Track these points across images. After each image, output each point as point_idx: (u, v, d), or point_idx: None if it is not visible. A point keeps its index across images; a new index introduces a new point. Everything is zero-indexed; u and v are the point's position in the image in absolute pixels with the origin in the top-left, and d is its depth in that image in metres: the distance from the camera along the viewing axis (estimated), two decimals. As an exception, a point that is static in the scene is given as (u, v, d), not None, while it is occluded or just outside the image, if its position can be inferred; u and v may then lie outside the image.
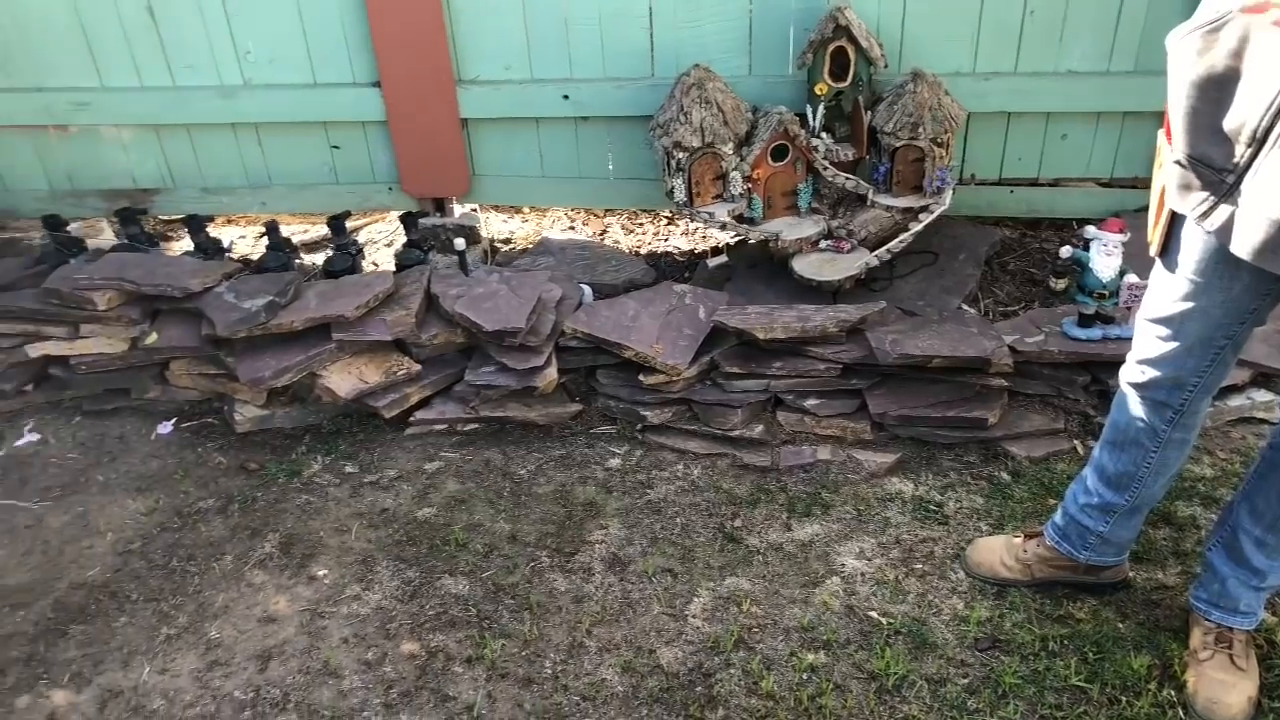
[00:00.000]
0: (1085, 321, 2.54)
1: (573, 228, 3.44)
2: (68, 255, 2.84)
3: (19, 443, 2.70)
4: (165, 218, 3.36)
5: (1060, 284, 2.70)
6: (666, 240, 3.35)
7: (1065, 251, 2.58)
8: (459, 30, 2.94)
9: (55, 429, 2.74)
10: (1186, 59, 1.45)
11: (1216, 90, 1.42)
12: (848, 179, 2.85)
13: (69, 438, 2.72)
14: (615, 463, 2.52)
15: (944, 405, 2.49)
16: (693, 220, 2.89)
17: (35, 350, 2.66)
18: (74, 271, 2.65)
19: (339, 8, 2.91)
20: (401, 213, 3.09)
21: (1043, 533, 2.05)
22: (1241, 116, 1.38)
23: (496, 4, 2.89)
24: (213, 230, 3.13)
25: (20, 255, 2.93)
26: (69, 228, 3.03)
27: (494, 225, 3.42)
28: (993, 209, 3.15)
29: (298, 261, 3.08)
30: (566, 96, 3.01)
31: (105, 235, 3.22)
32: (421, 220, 3.10)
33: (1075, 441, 2.48)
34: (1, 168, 3.24)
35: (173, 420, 2.73)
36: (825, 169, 2.84)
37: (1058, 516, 2.01)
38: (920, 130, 2.73)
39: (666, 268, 3.18)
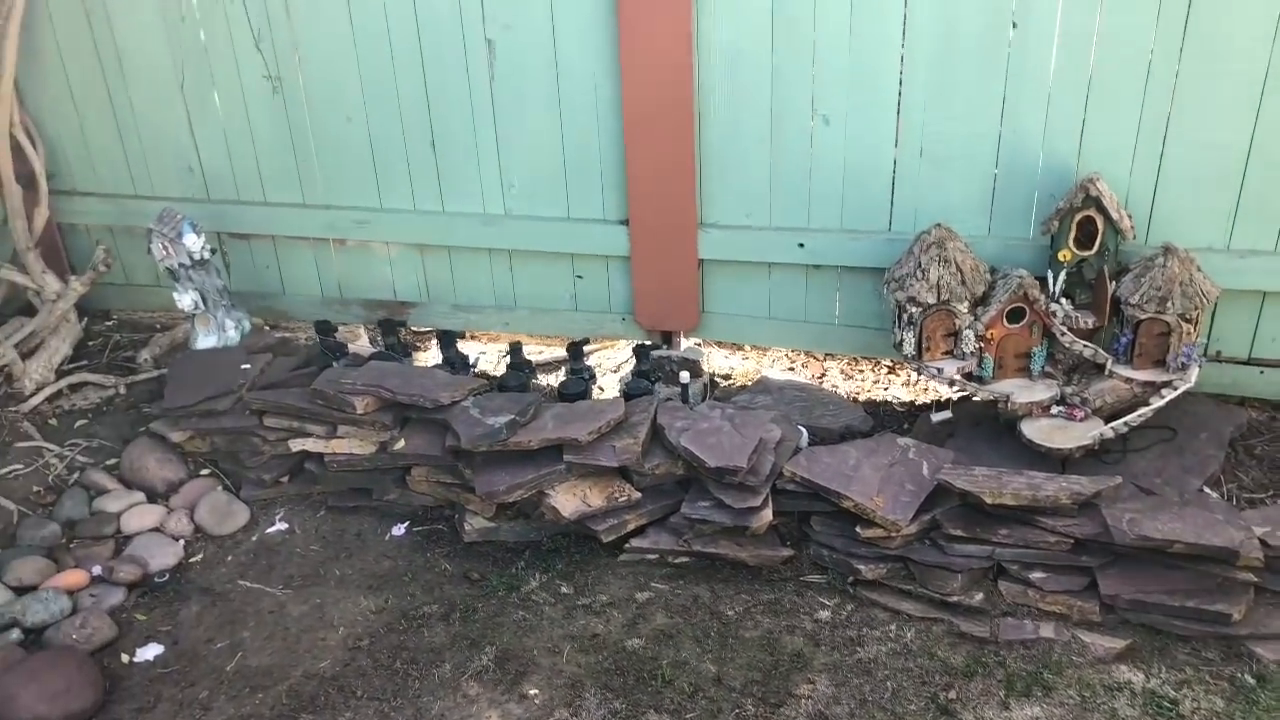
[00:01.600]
0: (1348, 521, 2.36)
1: (792, 368, 3.50)
2: (332, 359, 3.12)
3: (270, 530, 2.94)
4: (417, 329, 3.64)
5: (1320, 478, 2.52)
6: (886, 389, 3.35)
7: (1328, 444, 2.42)
8: (706, 177, 3.10)
9: (302, 520, 2.98)
10: None
11: None
12: (1086, 346, 2.79)
13: (313, 530, 2.94)
14: (825, 615, 2.50)
15: (1183, 594, 2.35)
16: (920, 374, 2.89)
17: (297, 445, 2.92)
18: (339, 375, 2.91)
19: (599, 151, 3.14)
20: (634, 344, 3.24)
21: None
22: None
23: (744, 156, 3.05)
24: (459, 345, 3.37)
25: (292, 354, 3.25)
26: (335, 333, 3.34)
27: (715, 360, 3.52)
28: (1239, 388, 2.99)
29: (534, 381, 3.27)
30: (802, 245, 3.11)
31: (362, 341, 3.52)
32: (651, 351, 3.23)
33: (1335, 654, 2.28)
34: (285, 273, 3.62)
35: (406, 523, 2.91)
36: (1063, 334, 2.79)
37: None
38: (1169, 304, 2.66)
39: (885, 417, 3.17)
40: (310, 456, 2.97)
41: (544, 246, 3.33)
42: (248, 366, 3.06)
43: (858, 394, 3.33)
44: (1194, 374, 2.71)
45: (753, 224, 3.15)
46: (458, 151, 3.25)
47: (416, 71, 3.16)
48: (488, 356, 3.57)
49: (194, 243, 3.19)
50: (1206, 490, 2.68)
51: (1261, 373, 2.96)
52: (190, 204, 3.46)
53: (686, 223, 3.14)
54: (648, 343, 3.30)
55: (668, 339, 3.36)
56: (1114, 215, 2.71)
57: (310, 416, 2.90)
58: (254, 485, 3.02)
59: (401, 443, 2.82)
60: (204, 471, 3.08)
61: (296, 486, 3.04)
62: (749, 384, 3.34)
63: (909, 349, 2.86)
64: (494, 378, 3.25)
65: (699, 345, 3.47)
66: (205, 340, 3.27)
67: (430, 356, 3.49)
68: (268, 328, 3.65)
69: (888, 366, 3.43)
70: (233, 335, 3.31)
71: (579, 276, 3.36)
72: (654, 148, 3.05)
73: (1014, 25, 2.73)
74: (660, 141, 3.03)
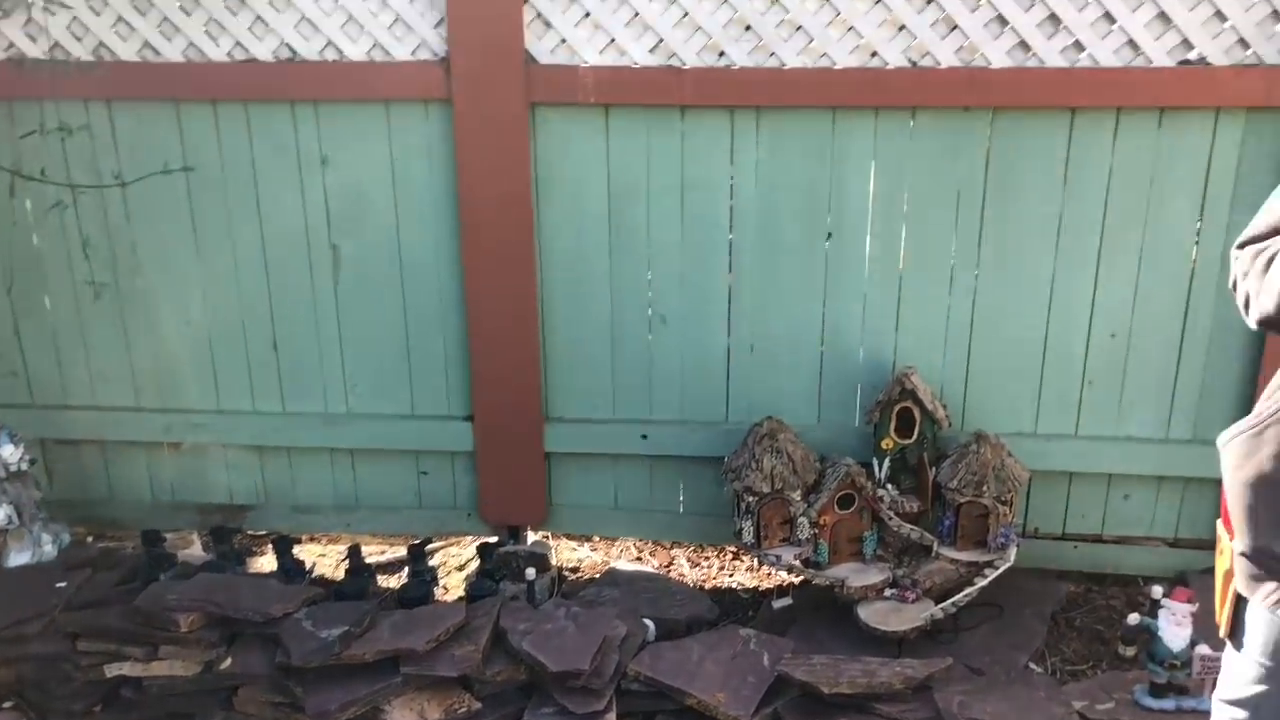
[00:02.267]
0: (1157, 691, 2.49)
1: (639, 558, 3.52)
2: (159, 571, 2.97)
3: (80, 763, 2.70)
4: (254, 533, 3.52)
5: (1129, 651, 2.67)
6: (731, 575, 3.40)
7: (1133, 619, 2.57)
8: (551, 372, 3.18)
9: (116, 750, 2.75)
10: (1236, 461, 1.58)
11: (1270, 490, 1.52)
12: (912, 530, 2.92)
13: (129, 760, 2.72)
14: (674, 821, 2.44)
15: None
16: (760, 562, 2.96)
17: (113, 670, 2.73)
18: (164, 590, 2.77)
19: (444, 348, 3.18)
20: (480, 541, 3.22)
21: None
22: None
23: (588, 352, 3.15)
24: (297, 549, 3.27)
25: (115, 568, 3.07)
26: (163, 542, 3.19)
27: (564, 553, 3.51)
28: (1056, 563, 3.16)
29: (375, 585, 3.17)
30: (645, 436, 3.19)
31: (195, 548, 3.37)
32: (497, 549, 3.21)
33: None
34: (114, 479, 3.47)
35: (233, 748, 2.73)
36: (890, 519, 2.91)
37: None
38: (984, 488, 2.82)
39: (731, 604, 3.20)
40: (127, 680, 2.77)
41: (388, 444, 3.31)
42: (64, 585, 2.88)
43: (704, 581, 3.37)
44: (1012, 553, 2.86)
45: (597, 417, 3.22)
46: (300, 351, 3.24)
47: (259, 273, 3.18)
48: (328, 559, 3.47)
49: (11, 454, 3.04)
50: (1032, 666, 2.79)
51: (1075, 547, 3.15)
52: (12, 410, 3.31)
53: (532, 417, 3.19)
54: (493, 539, 3.28)
55: (515, 534, 3.34)
56: (929, 406, 2.90)
57: (129, 637, 2.73)
58: (61, 718, 2.79)
59: (229, 661, 2.67)
60: (7, 704, 2.83)
61: (111, 714, 2.82)
62: (597, 576, 3.33)
63: (748, 537, 2.93)
64: (332, 583, 3.15)
65: (547, 539, 3.46)
66: (18, 557, 3.07)
67: (267, 562, 3.36)
68: (91, 539, 3.46)
69: (732, 552, 3.49)
70: (49, 550, 3.12)
71: (423, 473, 3.34)
72: (499, 344, 3.12)
73: (829, 235, 2.97)
74: (505, 338, 3.11)
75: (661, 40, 2.82)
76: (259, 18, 2.91)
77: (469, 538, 3.50)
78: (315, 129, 3.02)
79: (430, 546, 3.41)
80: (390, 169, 3.03)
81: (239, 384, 3.30)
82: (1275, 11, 2.63)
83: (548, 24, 2.84)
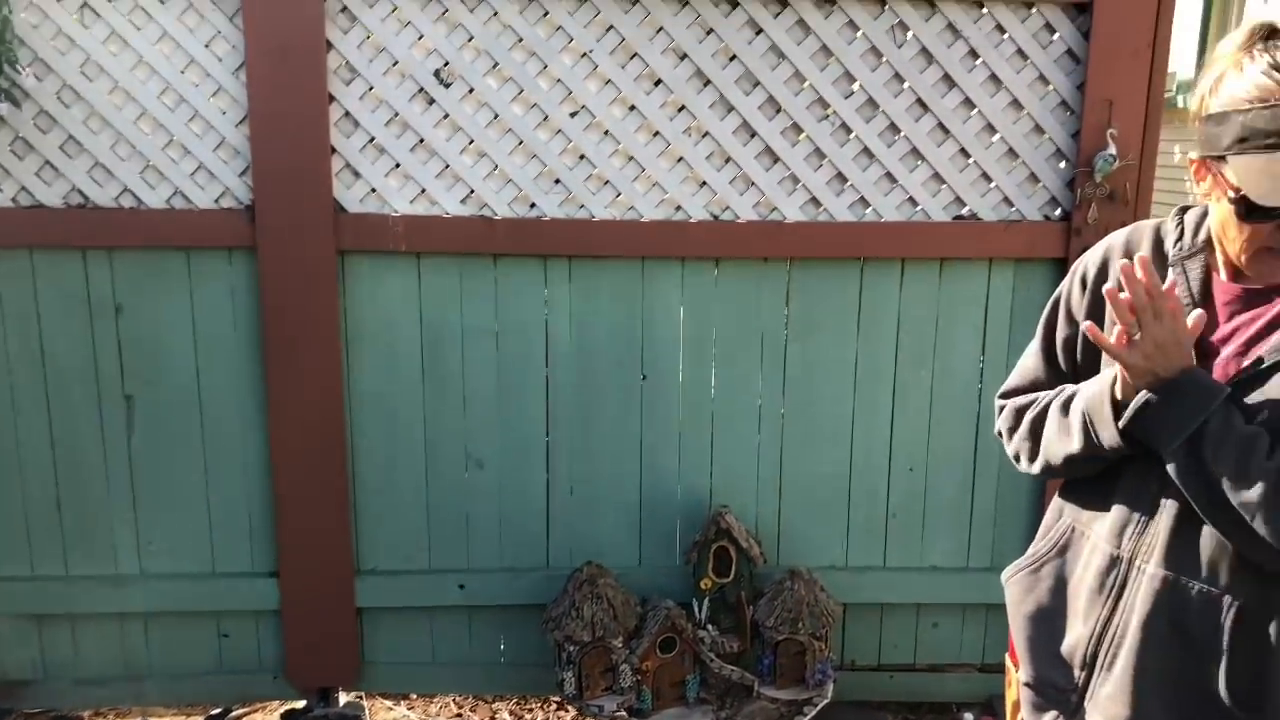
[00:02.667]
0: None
1: (460, 714, 3.37)
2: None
3: None
4: (30, 712, 3.18)
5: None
6: (558, 726, 3.31)
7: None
8: (362, 523, 3.06)
9: None
10: (1018, 596, 1.69)
11: (1048, 623, 1.62)
12: (733, 670, 2.92)
13: None
14: None
15: None
16: (583, 714, 2.88)
17: None
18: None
19: (247, 501, 3.03)
20: (285, 707, 3.01)
21: None
22: (1070, 645, 1.57)
23: (401, 501, 3.06)
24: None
25: None
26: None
27: (379, 714, 3.33)
28: (875, 694, 3.22)
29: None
30: (462, 586, 3.10)
31: (-41, 733, 3.02)
32: (306, 716, 3.01)
33: None
34: None
35: None
36: (711, 661, 2.91)
37: None
38: (800, 625, 2.87)
39: (557, 758, 3.10)
40: None
41: (185, 606, 3.08)
42: None
43: (529, 735, 3.26)
44: (829, 688, 2.90)
45: (412, 568, 3.11)
46: (88, 508, 3.01)
47: (42, 426, 2.96)
48: (115, 737, 3.17)
49: None
50: (857, 805, 2.81)
51: (891, 677, 3.23)
52: None
53: (342, 571, 3.05)
54: (300, 704, 3.08)
55: (325, 696, 3.15)
56: (744, 545, 2.95)
57: None
58: None
59: None
60: None
61: None
62: (416, 736, 3.17)
63: (570, 688, 2.86)
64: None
65: (360, 699, 3.28)
66: None
67: (45, 743, 3.05)
68: None
69: (556, 703, 3.40)
70: None
71: (225, 635, 3.12)
72: (305, 495, 2.99)
73: (644, 377, 3.03)
74: (312, 489, 2.99)
75: (473, 191, 2.86)
76: (48, 162, 2.79)
77: (275, 702, 3.27)
78: (109, 276, 2.88)
79: (232, 715, 3.17)
80: (191, 317, 2.91)
81: (15, 547, 3.02)
82: (1033, 175, 2.92)
83: (356, 173, 2.84)
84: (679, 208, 2.91)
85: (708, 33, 2.79)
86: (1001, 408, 1.73)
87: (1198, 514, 1.40)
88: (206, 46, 2.74)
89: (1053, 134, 2.88)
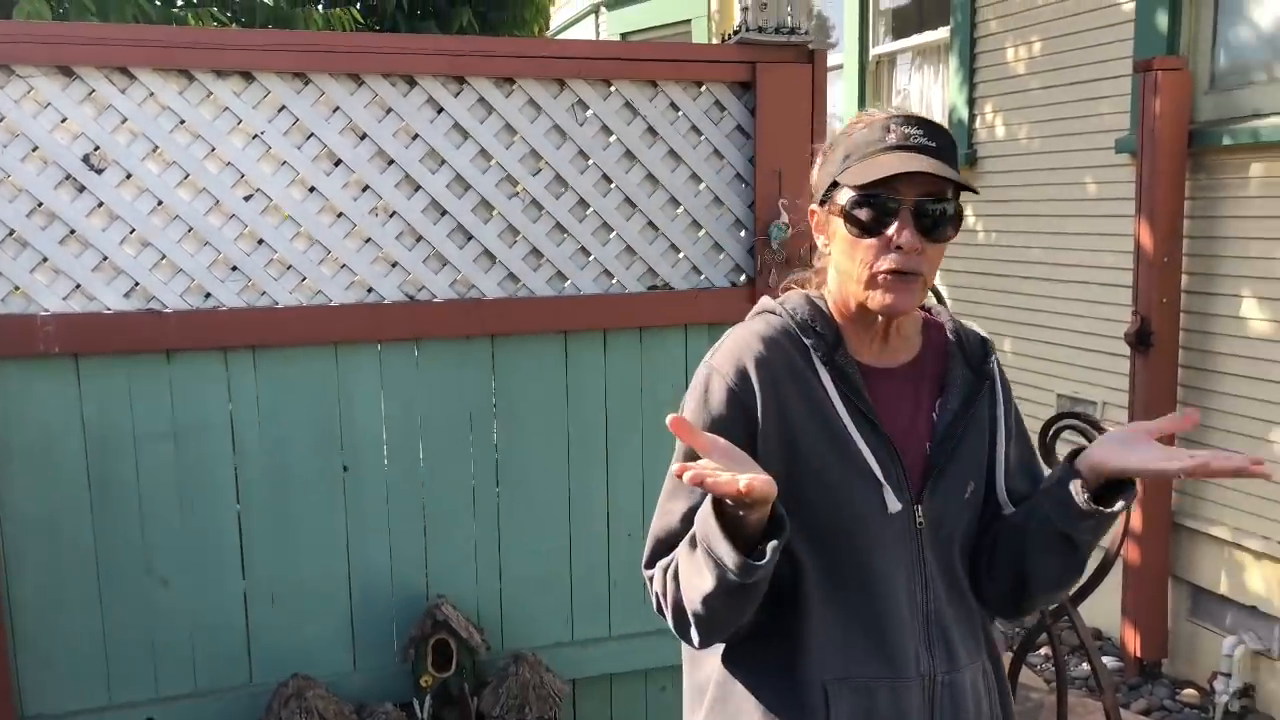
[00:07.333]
0: None
1: None
2: None
3: None
4: None
5: None
6: None
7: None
8: (24, 662, 2.68)
9: None
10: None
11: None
12: (463, 769, 2.79)
13: None
14: None
15: None
16: (299, 843, 2.64)
17: None
18: None
19: None
20: None
21: None
22: None
23: (69, 630, 2.70)
24: None
25: None
26: None
27: None
28: (614, 768, 3.19)
29: None
30: (152, 718, 2.78)
31: None
32: None
33: None
34: None
35: None
36: (438, 763, 2.77)
37: None
38: (527, 710, 2.79)
39: None
40: None
41: None
42: None
43: None
44: (563, 773, 2.84)
45: (90, 706, 2.75)
46: None
47: None
48: None
49: None
50: None
51: (627, 750, 3.20)
52: None
53: (3, 716, 2.66)
54: None
55: None
56: (464, 635, 2.84)
57: None
58: None
59: None
60: None
61: None
62: None
63: (283, 818, 2.62)
64: None
65: None
66: None
67: None
68: None
69: (274, 831, 3.11)
70: None
71: None
72: (-47, 638, 2.59)
73: (345, 469, 2.86)
74: (-40, 630, 2.59)
75: (138, 284, 2.62)
76: None
77: None
78: None
79: None
80: None
81: None
82: (717, 244, 3.06)
83: (-5, 270, 2.54)
84: (371, 290, 2.80)
85: (387, 112, 2.73)
86: (651, 578, 1.58)
87: None
88: None
89: (731, 205, 3.04)
